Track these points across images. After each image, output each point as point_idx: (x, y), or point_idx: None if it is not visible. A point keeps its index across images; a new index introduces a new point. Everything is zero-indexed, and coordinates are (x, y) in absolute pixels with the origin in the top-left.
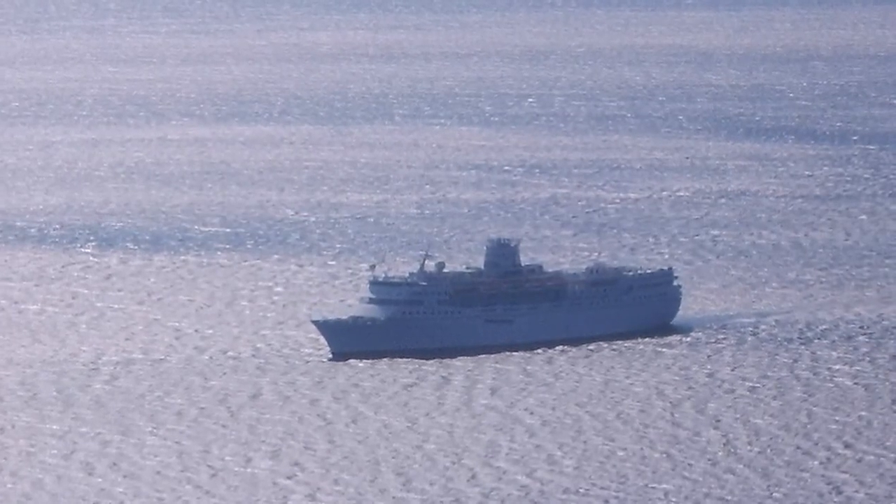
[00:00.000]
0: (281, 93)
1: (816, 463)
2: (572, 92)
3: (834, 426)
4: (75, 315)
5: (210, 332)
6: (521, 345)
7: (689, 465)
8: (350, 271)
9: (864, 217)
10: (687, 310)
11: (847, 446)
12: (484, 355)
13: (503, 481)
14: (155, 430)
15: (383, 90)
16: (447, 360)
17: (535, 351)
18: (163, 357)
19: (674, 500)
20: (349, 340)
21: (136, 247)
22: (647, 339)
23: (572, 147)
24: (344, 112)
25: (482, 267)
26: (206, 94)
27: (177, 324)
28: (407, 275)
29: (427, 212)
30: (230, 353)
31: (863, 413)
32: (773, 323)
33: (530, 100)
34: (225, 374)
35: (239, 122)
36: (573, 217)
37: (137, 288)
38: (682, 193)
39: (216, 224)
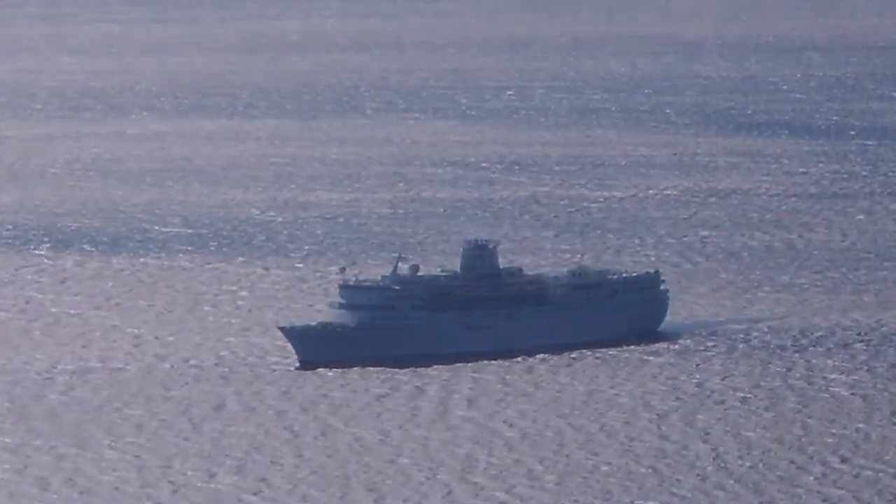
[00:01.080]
0: (246, 85)
1: (811, 478)
2: (554, 84)
3: (830, 439)
4: (29, 321)
5: (171, 339)
6: (499, 352)
7: (676, 480)
8: (319, 274)
9: (861, 217)
10: (675, 315)
11: (844, 460)
12: (461, 364)
13: (480, 498)
14: (113, 444)
15: (354, 82)
16: (421, 369)
17: (515, 359)
18: (121, 366)
19: None
20: (318, 348)
21: (93, 248)
22: (632, 347)
23: (554, 143)
24: (312, 105)
25: (458, 270)
26: (167, 86)
27: (136, 330)
28: (379, 278)
29: (400, 211)
30: (192, 362)
31: (860, 425)
32: (766, 329)
33: (509, 92)
34: (187, 383)
35: (202, 115)
36: (555, 217)
37: (94, 292)
38: (669, 192)
39: (178, 224)
